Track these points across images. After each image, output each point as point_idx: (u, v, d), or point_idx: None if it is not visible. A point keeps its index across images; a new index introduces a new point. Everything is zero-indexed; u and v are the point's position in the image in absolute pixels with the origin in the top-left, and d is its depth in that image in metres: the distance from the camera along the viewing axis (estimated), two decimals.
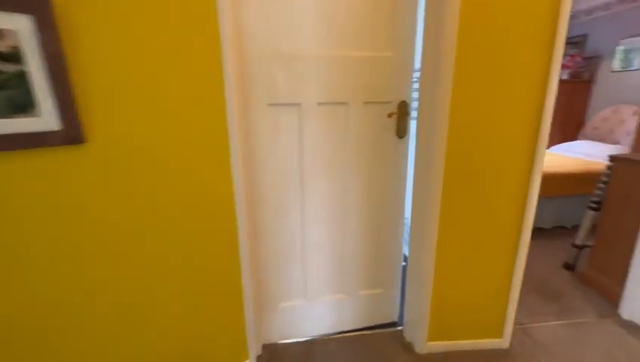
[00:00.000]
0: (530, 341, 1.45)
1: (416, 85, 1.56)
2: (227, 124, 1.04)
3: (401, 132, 1.29)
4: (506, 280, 1.33)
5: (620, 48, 3.33)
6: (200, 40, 0.94)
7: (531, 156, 1.18)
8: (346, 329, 1.51)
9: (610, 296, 1.73)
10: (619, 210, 1.72)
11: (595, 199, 1.91)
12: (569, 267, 2.06)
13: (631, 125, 3.07)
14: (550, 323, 1.57)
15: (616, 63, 3.36)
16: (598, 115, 3.46)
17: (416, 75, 1.65)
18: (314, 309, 1.44)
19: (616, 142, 3.19)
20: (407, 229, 1.82)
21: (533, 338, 1.47)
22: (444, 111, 1.10)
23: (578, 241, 2.02)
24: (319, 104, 1.20)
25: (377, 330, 1.52)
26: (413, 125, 1.30)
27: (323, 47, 1.15)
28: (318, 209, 1.32)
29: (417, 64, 1.33)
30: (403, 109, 1.26)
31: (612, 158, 1.78)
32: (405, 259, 1.73)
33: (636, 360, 1.34)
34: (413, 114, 1.33)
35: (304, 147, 1.23)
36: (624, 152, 2.80)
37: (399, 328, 1.53)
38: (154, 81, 0.90)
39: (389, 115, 1.24)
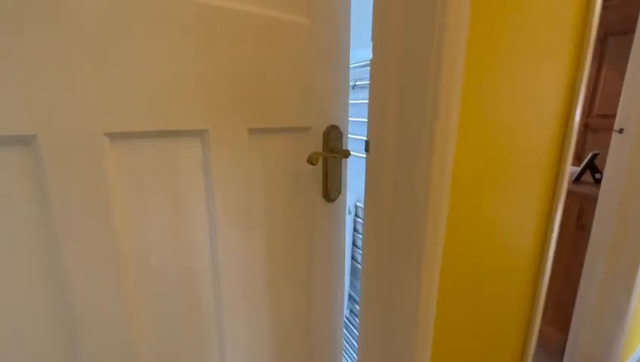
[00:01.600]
0: None
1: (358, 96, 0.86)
2: None
3: (333, 190, 0.62)
4: None
5: None
6: None
7: (545, 228, 0.70)
8: None
9: (547, 341, 1.53)
10: None
11: None
12: None
13: None
14: None
15: None
16: None
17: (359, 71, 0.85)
18: None
19: None
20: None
21: None
22: (445, 155, 0.47)
23: None
24: (113, 136, 0.40)
25: None
26: (351, 170, 0.66)
27: None
28: None
29: (363, 51, 0.67)
30: (334, 143, 0.59)
31: None
32: None
33: None
34: (353, 146, 0.67)
35: (65, 268, 0.40)
36: None
37: None
38: None
39: (310, 160, 0.54)
